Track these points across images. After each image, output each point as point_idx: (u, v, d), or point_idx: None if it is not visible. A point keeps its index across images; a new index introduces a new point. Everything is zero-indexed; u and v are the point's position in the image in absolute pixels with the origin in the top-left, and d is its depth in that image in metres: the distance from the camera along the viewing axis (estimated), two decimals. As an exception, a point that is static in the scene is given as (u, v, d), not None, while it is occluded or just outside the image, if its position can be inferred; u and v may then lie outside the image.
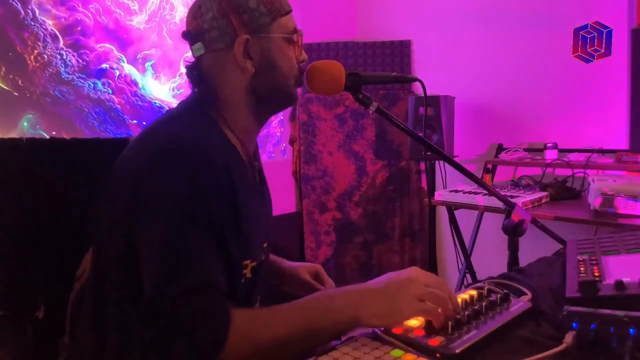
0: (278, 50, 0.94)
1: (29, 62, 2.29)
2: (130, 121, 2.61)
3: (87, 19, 2.46)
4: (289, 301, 0.81)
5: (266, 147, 3.21)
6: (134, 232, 0.81)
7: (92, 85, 2.50)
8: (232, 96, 0.94)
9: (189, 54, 0.98)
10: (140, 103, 2.66)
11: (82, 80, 2.46)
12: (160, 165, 0.81)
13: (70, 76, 2.41)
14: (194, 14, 0.93)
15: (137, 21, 2.65)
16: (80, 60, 2.44)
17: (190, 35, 0.94)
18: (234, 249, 0.85)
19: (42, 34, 2.31)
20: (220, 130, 0.92)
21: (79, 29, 2.43)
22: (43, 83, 2.33)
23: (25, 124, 2.27)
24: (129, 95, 2.64)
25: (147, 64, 2.68)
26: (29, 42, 2.28)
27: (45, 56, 2.33)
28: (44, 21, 2.32)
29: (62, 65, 2.39)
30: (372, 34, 3.28)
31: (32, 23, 2.28)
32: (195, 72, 0.96)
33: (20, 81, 2.25)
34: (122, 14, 2.59)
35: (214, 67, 0.94)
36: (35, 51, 2.30)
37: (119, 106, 2.59)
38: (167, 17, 2.77)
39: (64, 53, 2.39)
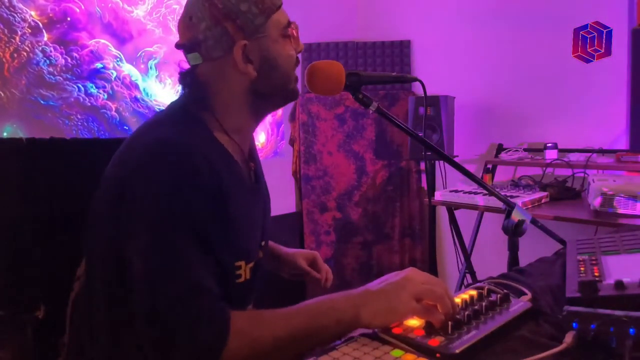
0: (277, 48, 0.94)
1: (4, 60, 1.88)
2: (130, 132, 2.19)
3: (77, 9, 2.06)
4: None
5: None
6: (122, 239, 0.81)
7: (83, 88, 2.10)
8: (230, 99, 0.94)
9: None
10: (141, 110, 2.27)
11: (70, 83, 2.06)
12: (144, 174, 0.81)
13: (56, 78, 2.01)
14: (186, 25, 0.92)
15: (139, 12, 2.27)
16: (69, 59, 2.05)
17: (186, 46, 0.93)
18: (223, 251, 0.85)
19: (19, 25, 1.89)
20: (209, 133, 0.91)
21: (68, 20, 2.03)
22: (22, 86, 1.91)
23: (4, 134, 1.91)
24: (128, 100, 2.24)
25: (150, 63, 2.33)
26: (3, 36, 1.88)
27: (24, 53, 1.91)
28: (23, 10, 1.89)
29: (46, 64, 1.98)
30: (372, 34, 3.27)
31: (8, 12, 1.87)
32: (189, 79, 0.95)
33: (-7, 84, 1.83)
34: (120, 3, 2.21)
35: (213, 74, 0.93)
36: (11, 47, 1.88)
37: (116, 114, 2.19)
38: (175, 6, 2.33)
39: (48, 49, 1.98)
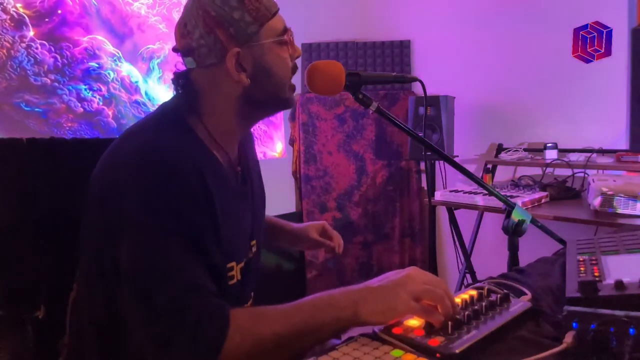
0: (271, 56, 0.94)
1: (-18, 58, 1.59)
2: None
3: (70, 1, 1.78)
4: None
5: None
6: (114, 244, 0.81)
7: (74, 91, 1.81)
8: (221, 105, 0.94)
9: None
10: (142, 115, 1.80)
11: (60, 85, 1.76)
12: (132, 179, 0.81)
13: (43, 79, 1.72)
14: (181, 32, 0.93)
15: (139, 5, 2.02)
16: (59, 57, 1.76)
17: (181, 52, 0.94)
18: (214, 254, 0.85)
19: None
20: (196, 137, 0.92)
21: (58, 13, 1.76)
22: (1, 89, 1.64)
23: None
24: (127, 104, 1.98)
25: (153, 62, 2.09)
26: (-20, 31, 1.56)
27: (4, 50, 1.64)
28: (4, 0, 1.62)
29: (31, 63, 1.70)
30: (372, 34, 3.27)
31: (-16, 2, 1.55)
32: (182, 80, 0.95)
33: (-30, 85, 1.54)
34: (119, -4, 1.89)
35: (206, 80, 0.94)
36: (-12, 44, 1.55)
37: (113, 121, 1.89)
38: (179, -1, 1.92)
39: (34, 46, 1.70)
